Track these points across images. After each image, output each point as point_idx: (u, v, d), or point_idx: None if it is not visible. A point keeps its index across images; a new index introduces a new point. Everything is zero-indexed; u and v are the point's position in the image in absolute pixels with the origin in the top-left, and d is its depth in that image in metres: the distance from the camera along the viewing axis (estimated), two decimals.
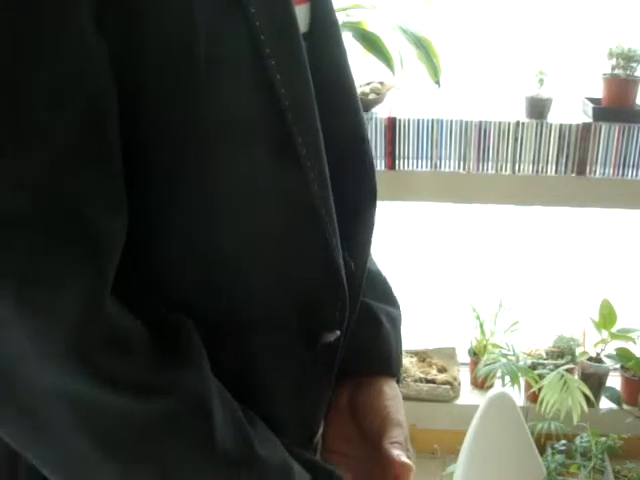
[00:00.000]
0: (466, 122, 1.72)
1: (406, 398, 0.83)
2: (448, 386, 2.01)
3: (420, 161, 1.76)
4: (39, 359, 0.49)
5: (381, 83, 1.82)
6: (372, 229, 0.75)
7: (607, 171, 1.73)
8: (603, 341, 1.96)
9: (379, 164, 1.76)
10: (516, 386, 1.81)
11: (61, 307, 0.48)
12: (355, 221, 0.72)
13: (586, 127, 1.70)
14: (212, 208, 0.58)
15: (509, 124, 1.72)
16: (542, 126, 1.71)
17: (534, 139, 1.72)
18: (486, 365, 1.89)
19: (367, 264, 0.76)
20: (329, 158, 0.63)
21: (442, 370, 2.08)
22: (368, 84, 1.79)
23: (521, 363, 1.88)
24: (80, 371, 0.49)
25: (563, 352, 1.97)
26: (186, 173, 0.56)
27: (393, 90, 1.81)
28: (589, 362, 1.97)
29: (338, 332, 0.67)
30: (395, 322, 0.81)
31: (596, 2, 1.93)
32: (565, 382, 1.75)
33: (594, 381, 1.94)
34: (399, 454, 0.71)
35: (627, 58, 1.72)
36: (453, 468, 1.53)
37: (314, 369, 0.69)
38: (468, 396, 2.05)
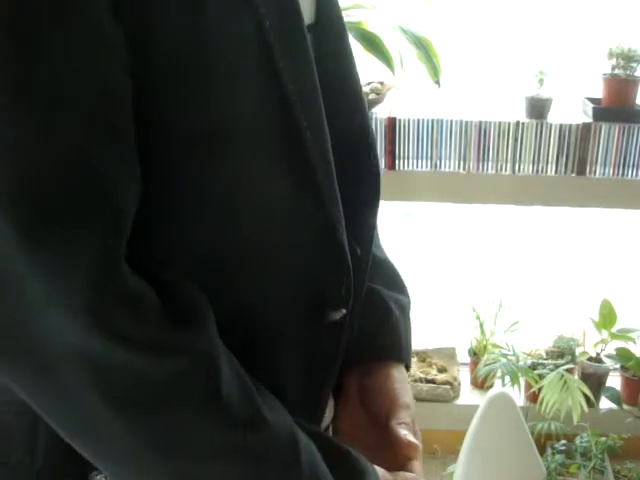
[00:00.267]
0: (466, 122, 1.72)
1: None
2: (448, 386, 2.01)
3: (420, 161, 1.76)
4: (55, 315, 0.51)
5: (381, 83, 1.82)
6: (376, 217, 0.77)
7: (607, 171, 1.73)
8: (603, 341, 1.96)
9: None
10: (516, 386, 1.81)
11: (77, 264, 0.50)
12: (360, 209, 0.74)
13: (586, 127, 1.70)
14: (222, 199, 0.60)
15: (509, 124, 1.72)
16: (542, 126, 1.71)
17: (534, 139, 1.72)
18: (486, 365, 1.89)
19: (372, 249, 0.78)
20: (335, 150, 0.65)
21: (442, 370, 2.08)
22: (368, 84, 1.79)
23: (521, 363, 1.88)
24: (95, 328, 0.51)
25: (563, 352, 1.97)
26: (193, 166, 0.58)
27: (393, 90, 1.81)
28: (589, 362, 1.97)
29: (344, 310, 0.69)
30: (404, 309, 0.83)
31: (596, 2, 1.93)
32: (565, 382, 1.76)
33: (594, 381, 1.94)
34: (406, 434, 0.73)
35: (627, 58, 1.72)
36: (453, 468, 1.53)
37: (320, 346, 0.70)
38: (468, 396, 2.05)
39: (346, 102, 0.73)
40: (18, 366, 0.54)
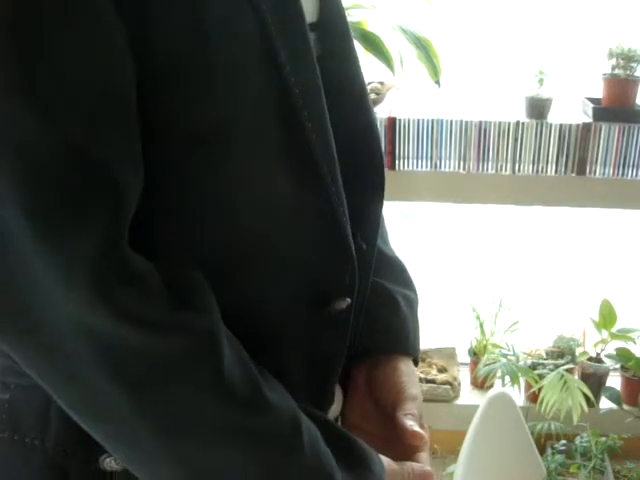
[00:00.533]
0: (466, 122, 1.72)
1: None
2: (448, 386, 2.01)
3: (420, 161, 1.76)
4: (60, 294, 0.52)
5: (381, 83, 1.82)
6: (381, 212, 0.79)
7: (607, 171, 1.73)
8: (603, 341, 1.96)
9: None
10: (516, 386, 1.81)
11: (81, 245, 0.52)
12: (365, 205, 0.75)
13: (586, 127, 1.70)
14: (224, 198, 0.61)
15: (509, 124, 1.72)
16: (542, 126, 1.71)
17: (534, 139, 1.72)
18: (486, 365, 1.89)
19: (379, 244, 0.79)
20: (339, 147, 0.66)
21: (442, 370, 2.08)
22: (368, 84, 1.79)
23: (521, 363, 1.88)
24: (98, 304, 0.52)
25: (563, 352, 1.97)
26: (195, 165, 0.59)
27: (393, 90, 1.81)
28: (589, 362, 1.97)
29: (348, 300, 0.70)
30: (412, 304, 0.84)
31: (596, 2, 1.93)
32: (565, 382, 1.75)
33: (594, 381, 1.94)
34: (411, 424, 0.74)
35: (627, 58, 1.72)
36: (453, 468, 1.53)
37: (326, 335, 0.71)
38: (468, 396, 2.05)
39: (350, 101, 0.74)
40: (26, 345, 0.55)
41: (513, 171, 1.75)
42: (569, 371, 1.84)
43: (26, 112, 0.50)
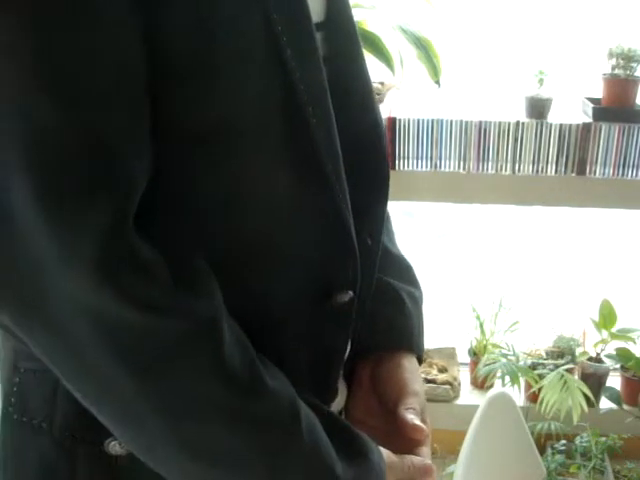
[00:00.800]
0: (466, 122, 1.72)
1: None
2: (448, 386, 2.01)
3: (420, 161, 1.76)
4: (66, 274, 0.54)
5: (381, 83, 1.82)
6: (385, 208, 0.80)
7: (607, 171, 1.73)
8: (603, 341, 1.96)
9: None
10: (516, 386, 1.80)
11: (88, 228, 0.53)
12: (370, 202, 0.76)
13: (586, 127, 1.70)
14: (229, 195, 0.62)
15: (509, 124, 1.72)
16: (542, 126, 1.71)
17: (534, 139, 1.72)
18: (486, 365, 1.89)
19: (384, 241, 0.80)
20: (344, 144, 0.66)
21: (442, 370, 2.08)
22: None
23: (521, 363, 1.88)
24: (103, 287, 0.54)
25: (563, 352, 1.97)
26: (200, 163, 0.60)
27: (393, 90, 1.81)
28: (589, 362, 1.97)
29: (351, 293, 0.70)
30: (417, 302, 0.85)
31: (596, 2, 1.93)
32: (565, 382, 1.75)
33: (594, 381, 1.94)
34: (412, 418, 0.75)
35: (627, 58, 1.72)
36: (453, 468, 1.53)
37: (328, 328, 0.71)
38: (468, 396, 2.05)
39: (356, 101, 0.75)
40: (33, 325, 0.56)
41: (513, 171, 1.75)
42: (569, 371, 1.84)
43: (40, 97, 0.52)
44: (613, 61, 1.73)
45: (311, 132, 0.63)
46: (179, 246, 0.61)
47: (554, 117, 1.75)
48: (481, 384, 2.02)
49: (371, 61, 1.70)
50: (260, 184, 0.63)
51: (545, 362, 1.92)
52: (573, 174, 1.74)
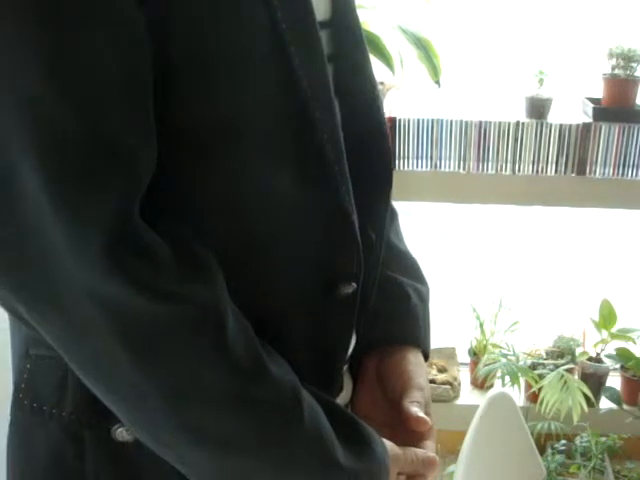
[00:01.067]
0: (466, 122, 1.72)
1: None
2: (448, 386, 2.01)
3: (420, 161, 1.76)
4: (73, 259, 0.55)
5: (381, 83, 1.82)
6: (389, 203, 0.81)
7: (607, 171, 1.73)
8: (603, 341, 1.96)
9: None
10: (516, 386, 1.80)
11: (96, 213, 0.55)
12: (374, 197, 0.77)
13: (586, 127, 1.70)
14: (233, 191, 0.63)
15: (509, 124, 1.72)
16: (542, 126, 1.71)
17: (534, 139, 1.72)
18: (486, 365, 1.88)
19: (388, 235, 0.82)
20: (349, 141, 0.67)
21: (442, 370, 2.08)
22: None
23: (521, 363, 1.88)
24: (109, 272, 0.55)
25: (563, 352, 1.96)
26: (203, 160, 0.61)
27: (393, 90, 1.81)
28: (589, 362, 1.97)
29: (354, 284, 0.71)
30: (423, 297, 0.86)
31: (596, 2, 1.93)
32: (565, 382, 1.75)
33: (594, 381, 1.93)
34: (416, 410, 0.75)
35: (627, 58, 1.72)
36: (453, 468, 1.53)
37: (332, 320, 0.72)
38: (468, 396, 2.05)
39: (361, 99, 0.75)
40: (41, 309, 0.58)
41: (513, 171, 1.75)
42: (569, 371, 1.84)
43: (49, 91, 0.53)
44: (613, 61, 1.73)
45: (315, 130, 0.63)
46: (182, 236, 0.61)
47: (554, 117, 1.74)
48: (481, 384, 2.02)
49: (371, 61, 1.70)
50: (264, 183, 0.63)
51: (545, 362, 1.92)
52: (573, 174, 1.74)
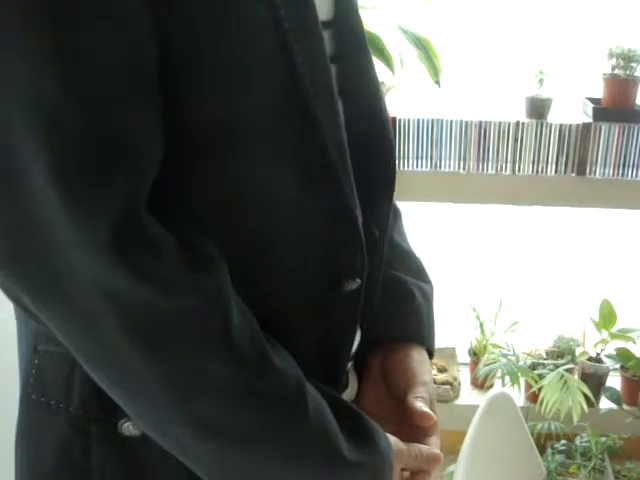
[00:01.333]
0: (466, 122, 1.72)
1: None
2: (448, 386, 2.01)
3: (420, 161, 1.76)
4: (80, 252, 0.55)
5: (381, 83, 1.82)
6: (392, 201, 0.81)
7: (607, 171, 1.73)
8: (603, 341, 1.96)
9: None
10: (516, 386, 1.80)
11: (103, 207, 0.55)
12: (377, 195, 0.77)
13: (586, 127, 1.70)
14: (236, 189, 0.63)
15: (509, 124, 1.72)
16: (542, 126, 1.71)
17: (534, 139, 1.72)
18: (486, 365, 1.88)
19: (390, 234, 0.82)
20: (352, 140, 0.68)
21: (442, 370, 2.08)
22: None
23: (521, 363, 1.88)
24: (117, 265, 0.56)
25: (563, 352, 1.96)
26: (207, 160, 0.62)
27: (393, 90, 1.81)
28: (589, 362, 1.97)
29: (358, 280, 0.71)
30: (427, 296, 0.86)
31: (596, 2, 1.93)
32: (565, 382, 1.75)
33: (594, 381, 1.93)
34: (421, 405, 0.76)
35: (627, 58, 1.72)
36: (453, 468, 1.53)
37: (336, 316, 0.72)
38: (468, 396, 2.05)
39: (363, 98, 0.75)
40: (48, 301, 0.58)
41: (513, 171, 1.75)
42: (569, 371, 1.84)
43: (55, 83, 0.53)
44: (613, 61, 1.73)
45: (317, 129, 0.63)
46: (186, 232, 0.62)
47: (554, 117, 1.74)
48: (481, 384, 2.02)
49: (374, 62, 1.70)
50: (266, 182, 0.63)
51: (545, 362, 1.92)
52: (573, 174, 1.74)
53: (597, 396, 1.93)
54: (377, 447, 0.68)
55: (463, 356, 2.12)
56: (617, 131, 1.69)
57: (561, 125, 1.71)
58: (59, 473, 0.69)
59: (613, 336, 1.93)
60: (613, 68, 1.74)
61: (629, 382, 1.97)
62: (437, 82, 1.72)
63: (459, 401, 2.03)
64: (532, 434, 1.57)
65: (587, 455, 1.89)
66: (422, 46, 1.67)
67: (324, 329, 0.72)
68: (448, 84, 1.76)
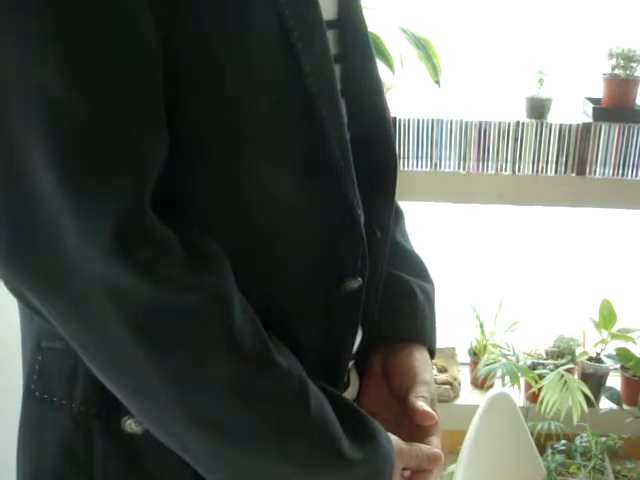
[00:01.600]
0: (466, 122, 1.72)
1: None
2: (448, 386, 2.01)
3: (420, 161, 1.76)
4: (85, 249, 0.56)
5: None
6: (393, 201, 0.81)
7: (607, 171, 1.73)
8: (603, 341, 1.96)
9: None
10: (516, 386, 1.80)
11: (108, 205, 0.56)
12: (379, 195, 0.77)
13: (586, 127, 1.70)
14: (241, 189, 0.63)
15: (509, 124, 1.72)
16: (542, 126, 1.71)
17: (534, 139, 1.72)
18: (486, 365, 1.88)
19: (393, 234, 0.83)
20: (354, 142, 0.68)
21: (442, 370, 2.08)
22: None
23: (521, 363, 1.88)
24: (120, 261, 0.56)
25: (563, 352, 1.96)
26: (210, 160, 0.62)
27: (393, 90, 1.81)
28: (589, 362, 1.97)
29: (360, 279, 0.72)
30: (429, 296, 0.87)
31: (596, 2, 1.93)
32: (565, 382, 1.75)
33: (594, 381, 1.93)
34: (422, 405, 0.76)
35: (627, 58, 1.72)
36: (453, 468, 1.53)
37: (338, 316, 0.73)
38: (468, 396, 2.05)
39: (367, 98, 0.76)
40: (54, 298, 0.59)
41: (513, 171, 1.75)
42: (569, 371, 1.84)
43: (59, 80, 0.53)
44: (613, 61, 1.73)
45: (321, 129, 0.64)
46: (189, 230, 0.62)
47: (554, 117, 1.75)
48: (481, 384, 2.02)
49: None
50: (268, 181, 0.64)
51: (545, 362, 1.92)
52: (573, 174, 1.74)
53: (597, 396, 1.93)
54: (378, 446, 0.68)
55: (463, 356, 2.12)
56: (617, 131, 1.69)
57: (561, 125, 1.71)
58: (61, 470, 0.69)
59: (613, 336, 1.93)
60: (613, 68, 1.74)
61: (629, 382, 1.97)
62: (437, 82, 1.72)
63: (459, 401, 2.03)
64: (532, 434, 1.57)
65: (587, 455, 1.89)
66: (422, 46, 1.67)
67: (325, 328, 0.72)
68: (448, 84, 1.76)
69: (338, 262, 0.70)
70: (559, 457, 1.88)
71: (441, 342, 2.15)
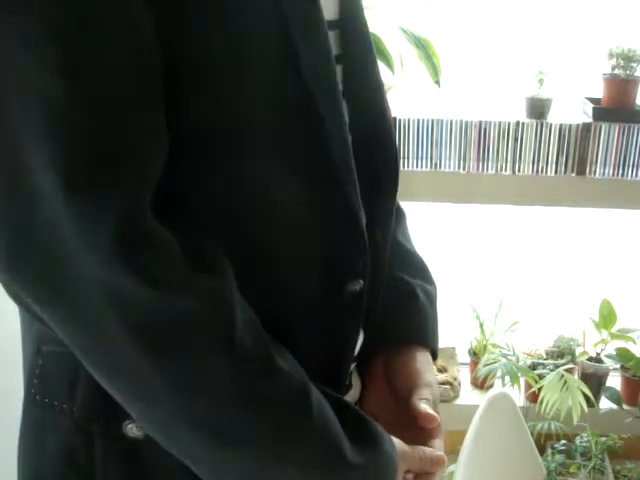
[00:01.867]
0: (466, 122, 1.72)
1: None
2: (448, 386, 2.01)
3: (420, 161, 1.76)
4: (85, 252, 0.56)
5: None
6: (394, 203, 0.81)
7: (607, 171, 1.73)
8: (603, 341, 1.96)
9: None
10: (516, 386, 1.80)
11: (107, 208, 0.55)
12: (380, 197, 0.77)
13: (586, 127, 1.70)
14: (242, 190, 0.63)
15: (509, 124, 1.72)
16: (542, 126, 1.71)
17: (534, 139, 1.72)
18: (486, 365, 1.88)
19: (391, 234, 0.82)
20: (356, 141, 0.68)
21: (442, 370, 2.08)
22: None
23: (521, 363, 1.88)
24: (120, 265, 0.56)
25: (563, 352, 1.96)
26: (210, 160, 0.61)
27: (393, 90, 1.81)
28: (589, 362, 1.97)
29: (362, 281, 0.71)
30: (431, 297, 0.87)
31: (596, 2, 1.93)
32: (565, 382, 1.75)
33: (594, 381, 1.93)
34: (425, 407, 0.76)
35: (627, 58, 1.72)
36: (453, 468, 1.53)
37: (340, 318, 0.72)
38: (468, 396, 2.05)
39: (368, 99, 0.75)
40: (54, 302, 0.58)
41: (513, 171, 1.75)
42: (569, 371, 1.84)
43: (59, 80, 0.53)
44: (613, 61, 1.73)
45: (322, 130, 0.64)
46: (190, 234, 0.62)
47: (554, 117, 1.75)
48: (481, 384, 2.02)
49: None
50: (268, 183, 0.63)
51: (545, 362, 1.92)
52: (573, 174, 1.74)
53: (597, 396, 1.93)
54: (381, 449, 0.68)
55: (463, 356, 2.12)
56: (617, 131, 1.69)
57: (561, 125, 1.71)
58: (62, 474, 0.69)
59: (613, 336, 1.93)
60: (613, 68, 1.74)
61: (629, 382, 1.97)
62: (437, 82, 1.72)
63: (459, 401, 2.03)
64: (532, 434, 1.57)
65: (587, 455, 1.89)
66: (422, 46, 1.67)
67: (327, 330, 0.71)
68: (448, 84, 1.76)
69: (339, 264, 0.70)
70: (559, 457, 1.88)
71: (441, 342, 2.15)
